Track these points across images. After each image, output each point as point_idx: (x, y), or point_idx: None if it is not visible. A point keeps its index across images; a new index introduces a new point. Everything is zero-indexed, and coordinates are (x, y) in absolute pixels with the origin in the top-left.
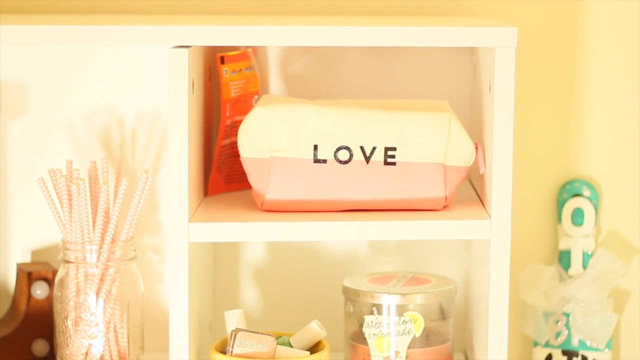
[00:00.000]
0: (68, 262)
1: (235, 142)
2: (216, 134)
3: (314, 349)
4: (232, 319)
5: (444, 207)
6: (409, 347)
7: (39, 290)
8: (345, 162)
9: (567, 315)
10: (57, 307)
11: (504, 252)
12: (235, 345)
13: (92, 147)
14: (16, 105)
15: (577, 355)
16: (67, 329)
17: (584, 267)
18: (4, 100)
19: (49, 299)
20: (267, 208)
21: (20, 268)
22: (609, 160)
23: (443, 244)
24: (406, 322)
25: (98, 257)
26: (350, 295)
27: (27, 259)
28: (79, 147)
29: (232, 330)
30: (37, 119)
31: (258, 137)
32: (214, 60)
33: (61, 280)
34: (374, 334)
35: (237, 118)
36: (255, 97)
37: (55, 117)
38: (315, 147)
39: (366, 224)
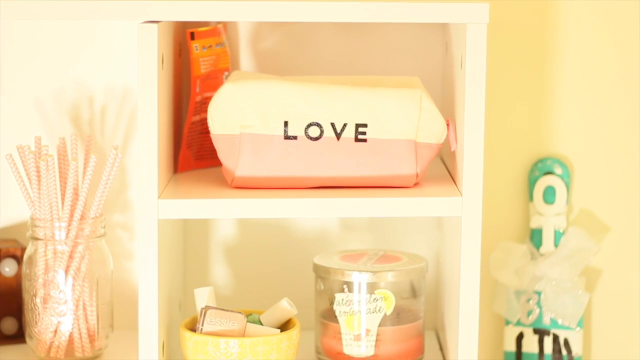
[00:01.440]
0: (37, 239)
1: (205, 119)
2: (186, 110)
3: (284, 326)
4: (202, 297)
5: (415, 185)
6: (379, 325)
7: (7, 268)
8: (316, 139)
9: (539, 293)
10: (25, 284)
11: (476, 230)
12: (205, 323)
13: (61, 123)
14: None
15: (548, 334)
16: (36, 307)
17: (556, 245)
18: None
19: (18, 277)
20: (237, 185)
21: None
22: (580, 138)
23: (414, 222)
24: (377, 300)
25: (67, 234)
26: (321, 272)
27: None
28: (48, 124)
29: (202, 308)
30: (6, 95)
31: (228, 114)
32: (184, 36)
33: (30, 257)
34: (345, 312)
35: (207, 94)
36: (226, 73)
37: (24, 94)
38: (286, 123)
39: (337, 200)
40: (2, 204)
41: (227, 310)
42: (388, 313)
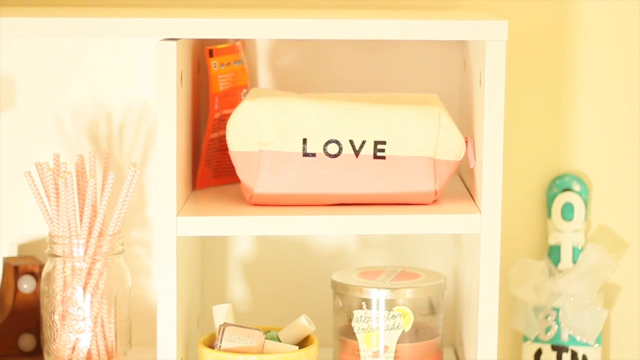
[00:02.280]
0: (55, 256)
1: (224, 136)
2: (204, 127)
3: (302, 343)
4: (220, 314)
5: (434, 202)
6: (398, 342)
7: (26, 285)
8: (335, 156)
9: (557, 310)
10: (44, 301)
11: (494, 247)
12: (223, 340)
13: (79, 140)
14: (3, 99)
15: (566, 350)
16: (54, 324)
17: (574, 262)
18: None
19: (36, 293)
20: (255, 202)
21: (6, 262)
22: (599, 155)
23: (432, 239)
24: (395, 317)
25: (85, 251)
26: (339, 289)
27: (13, 253)
28: (66, 141)
29: (220, 325)
30: (25, 113)
31: (247, 131)
32: (203, 54)
33: (48, 274)
34: (363, 329)
35: (226, 111)
36: (244, 90)
37: (42, 111)
38: (305, 140)
39: (355, 218)
40: (21, 221)
41: (246, 327)
42: (406, 330)
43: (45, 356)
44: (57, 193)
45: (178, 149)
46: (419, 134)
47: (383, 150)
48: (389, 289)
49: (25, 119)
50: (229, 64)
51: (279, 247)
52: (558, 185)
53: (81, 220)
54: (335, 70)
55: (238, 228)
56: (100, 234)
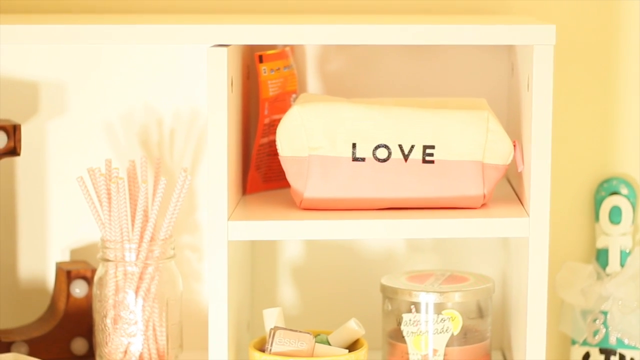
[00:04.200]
0: (107, 260)
1: (274, 141)
2: (254, 132)
3: (352, 347)
4: (271, 317)
5: (482, 205)
6: (447, 345)
7: (78, 289)
8: (384, 161)
9: (605, 313)
10: (96, 305)
11: (543, 250)
12: (274, 344)
13: (130, 146)
14: (55, 105)
15: (614, 354)
16: (106, 327)
17: (622, 265)
18: (43, 100)
19: (88, 298)
20: (305, 206)
21: (59, 267)
22: None
23: (480, 242)
24: (444, 321)
25: (137, 256)
26: (389, 293)
27: (66, 257)
28: (117, 147)
29: (271, 329)
30: (76, 119)
31: (296, 136)
32: (252, 59)
33: (100, 278)
34: (412, 332)
35: (275, 117)
36: (293, 95)
37: (93, 117)
38: (354, 145)
39: (404, 222)
40: (74, 226)
41: (296, 331)
42: (455, 333)
43: None
44: (109, 198)
45: (229, 154)
46: (467, 138)
47: (432, 155)
48: (437, 292)
49: (76, 125)
50: (278, 69)
51: (328, 251)
52: (606, 188)
53: (133, 225)
54: (384, 75)
55: (288, 232)
56: (152, 239)
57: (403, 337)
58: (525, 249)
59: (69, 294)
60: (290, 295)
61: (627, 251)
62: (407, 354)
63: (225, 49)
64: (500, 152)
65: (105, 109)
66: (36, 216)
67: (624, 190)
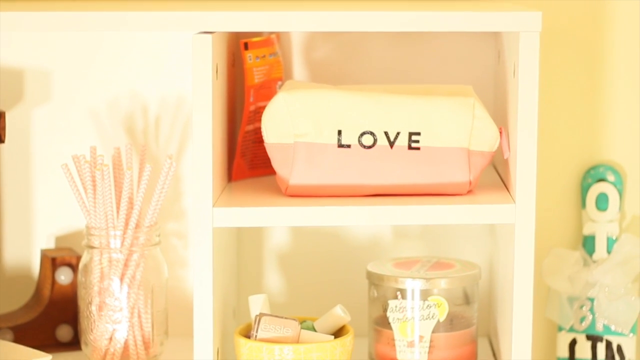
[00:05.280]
0: (92, 247)
1: (259, 128)
2: (240, 120)
3: (338, 333)
4: (256, 304)
5: (468, 192)
6: (433, 332)
7: (63, 276)
8: (369, 147)
9: (592, 300)
10: (81, 292)
11: (529, 237)
12: (259, 330)
13: (115, 133)
14: (40, 92)
15: (601, 340)
16: (92, 314)
17: (609, 252)
18: (28, 87)
19: (73, 285)
20: (291, 193)
21: (44, 254)
22: (633, 145)
23: (466, 229)
24: (430, 307)
25: (122, 243)
26: (374, 279)
27: (51, 245)
28: (102, 134)
29: (256, 315)
30: (61, 106)
31: (282, 123)
32: (238, 47)
33: (85, 265)
34: (398, 319)
35: (261, 104)
36: (279, 83)
37: (78, 104)
38: (339, 132)
39: (390, 208)
40: (58, 213)
41: (281, 317)
42: (441, 320)
43: (83, 347)
44: (94, 185)
45: (214, 141)
46: (453, 125)
47: (417, 142)
48: (423, 279)
49: (61, 113)
50: (264, 56)
51: (314, 238)
52: (592, 175)
53: (118, 212)
54: (370, 62)
55: (274, 219)
56: (137, 226)
57: (389, 323)
58: (511, 235)
59: (54, 281)
60: (276, 282)
61: (614, 238)
62: (393, 340)
63: (210, 36)
64: (486, 138)
65: (90, 96)
66: (21, 203)
67: (611, 177)
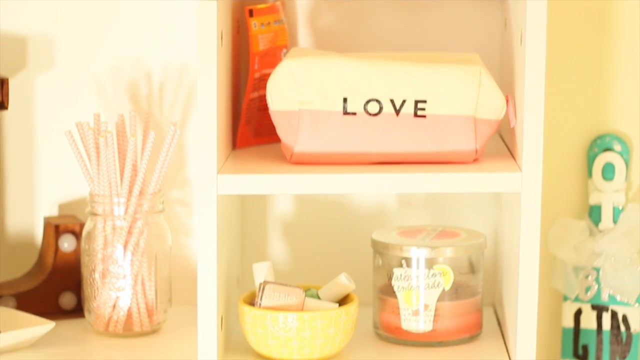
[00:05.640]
0: (96, 214)
1: (264, 96)
2: (244, 87)
3: (342, 301)
4: (261, 272)
5: (474, 160)
6: (438, 301)
7: (66, 244)
8: (375, 115)
9: (597, 269)
10: (84, 259)
11: (535, 205)
12: (263, 298)
13: (119, 101)
14: (43, 59)
15: (606, 310)
16: (95, 282)
17: (615, 221)
18: (32, 54)
19: (77, 252)
20: (296, 161)
21: (47, 221)
22: None
23: (472, 198)
24: (435, 275)
25: (126, 210)
26: (379, 248)
27: (54, 212)
28: (106, 101)
29: (261, 283)
30: (65, 73)
31: (287, 90)
32: (242, 14)
33: (89, 233)
34: (403, 287)
35: (266, 71)
36: (284, 50)
37: (82, 71)
38: (345, 99)
39: (396, 176)
40: (62, 180)
41: (286, 285)
42: (446, 288)
43: (86, 314)
44: (98, 152)
45: (218, 107)
46: (459, 93)
47: (424, 109)
48: (429, 247)
49: (65, 80)
50: (269, 23)
51: (319, 206)
52: (599, 145)
53: (122, 179)
54: (375, 30)
55: (278, 186)
56: (141, 193)
57: (394, 292)
58: (517, 204)
59: (57, 249)
60: (280, 250)
61: (620, 208)
62: (398, 308)
63: (214, 2)
64: (492, 107)
65: (94, 63)
66: (24, 170)
67: (617, 147)
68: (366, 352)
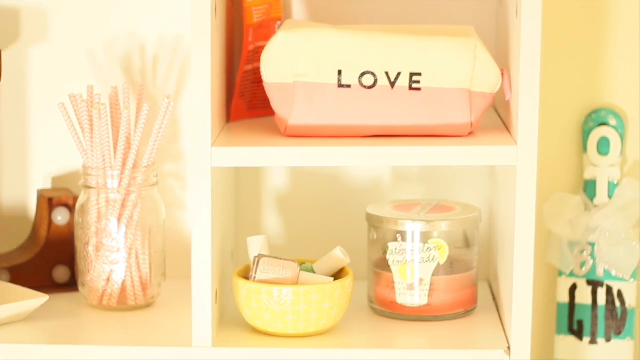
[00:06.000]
0: (89, 187)
1: (258, 68)
2: (238, 59)
3: (337, 275)
4: (255, 245)
5: (470, 134)
6: (433, 275)
7: (60, 217)
8: (370, 88)
9: (592, 245)
10: (78, 233)
11: (530, 179)
12: (258, 271)
13: (113, 73)
14: (36, 31)
15: (601, 285)
16: (89, 255)
17: (610, 196)
18: (25, 26)
19: (70, 225)
20: (290, 133)
21: (41, 194)
22: (635, 89)
23: (467, 172)
24: (430, 250)
25: (119, 183)
26: (374, 222)
27: (47, 185)
28: (99, 74)
29: (255, 257)
30: (58, 45)
31: (281, 62)
32: None
33: (82, 206)
34: (398, 261)
35: (260, 44)
36: (278, 22)
37: (75, 43)
38: (340, 72)
39: (391, 149)
40: (55, 153)
41: (280, 259)
42: (441, 263)
43: (80, 288)
44: (91, 124)
45: (212, 80)
46: (454, 66)
47: (418, 82)
48: (424, 221)
49: (58, 52)
50: None
51: (313, 180)
52: (594, 119)
53: (115, 152)
54: (371, 2)
55: (273, 159)
56: (135, 166)
57: (389, 266)
58: (512, 178)
59: (50, 222)
60: (274, 224)
61: (615, 182)
62: (393, 282)
63: None
64: (488, 80)
65: (87, 35)
66: (18, 143)
67: (613, 121)
68: (361, 326)
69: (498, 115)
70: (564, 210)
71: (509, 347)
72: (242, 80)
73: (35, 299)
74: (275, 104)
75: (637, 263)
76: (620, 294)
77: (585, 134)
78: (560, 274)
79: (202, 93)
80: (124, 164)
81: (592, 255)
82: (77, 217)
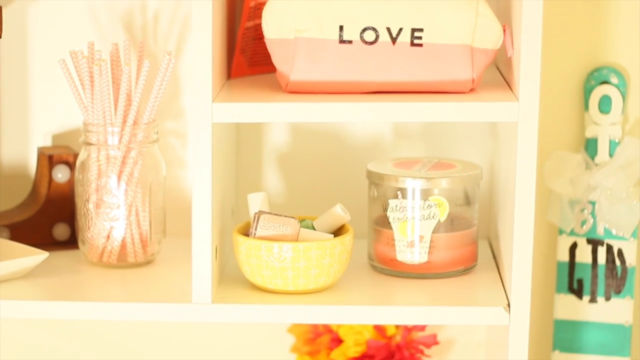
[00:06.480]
0: (89, 144)
1: (259, 25)
2: (239, 16)
3: (337, 232)
4: (255, 202)
5: (471, 90)
6: (433, 232)
7: (60, 174)
8: (371, 43)
9: (593, 203)
10: (78, 190)
11: (532, 136)
12: (258, 228)
13: (114, 30)
14: None
15: (602, 244)
16: (89, 212)
17: (611, 155)
18: None
19: (70, 183)
20: (291, 89)
21: (41, 152)
22: (637, 47)
23: (468, 129)
24: (431, 207)
25: (120, 140)
26: (375, 179)
27: (48, 142)
28: (100, 31)
29: (255, 213)
30: (58, 1)
31: (283, 18)
32: None
33: (82, 162)
34: (398, 218)
35: (261, 0)
36: None
37: (76, 0)
38: (341, 27)
39: (391, 105)
40: (55, 110)
41: (281, 215)
42: (442, 220)
43: (80, 245)
44: (92, 81)
45: (213, 36)
46: (456, 22)
47: (420, 38)
48: (424, 178)
49: (59, 8)
50: None
51: (314, 137)
52: (596, 77)
53: (116, 109)
54: None
55: (274, 115)
56: (135, 122)
57: (389, 223)
58: (513, 136)
59: (50, 179)
60: (275, 181)
61: (617, 141)
62: (393, 240)
63: None
64: (489, 36)
65: None
66: (18, 100)
67: (614, 80)
68: (361, 284)
69: (499, 73)
70: (564, 169)
71: (508, 305)
72: (243, 36)
73: (35, 256)
74: (276, 59)
75: (638, 222)
76: (620, 252)
77: (587, 92)
78: (561, 232)
79: (203, 49)
80: (124, 121)
81: (592, 213)
82: (77, 174)
